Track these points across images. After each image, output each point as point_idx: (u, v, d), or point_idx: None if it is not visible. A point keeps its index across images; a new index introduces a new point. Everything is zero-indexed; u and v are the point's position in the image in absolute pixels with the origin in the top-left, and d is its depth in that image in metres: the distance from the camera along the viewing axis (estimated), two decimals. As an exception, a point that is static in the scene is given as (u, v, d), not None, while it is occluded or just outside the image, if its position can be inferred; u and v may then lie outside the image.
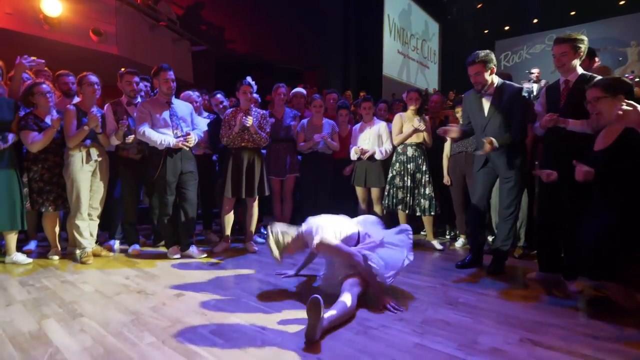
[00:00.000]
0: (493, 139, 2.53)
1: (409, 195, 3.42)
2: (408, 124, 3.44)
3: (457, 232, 3.71)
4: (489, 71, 2.62)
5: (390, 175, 3.52)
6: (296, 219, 4.23)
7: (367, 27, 10.35)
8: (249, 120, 3.09)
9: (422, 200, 3.41)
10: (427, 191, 3.40)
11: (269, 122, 3.35)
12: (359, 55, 10.45)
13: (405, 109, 3.70)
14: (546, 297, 2.23)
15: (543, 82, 6.23)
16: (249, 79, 3.22)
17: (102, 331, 1.75)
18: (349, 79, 10.15)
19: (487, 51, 2.66)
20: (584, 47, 2.34)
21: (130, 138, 3.04)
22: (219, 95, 3.78)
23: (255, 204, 3.34)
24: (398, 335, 1.72)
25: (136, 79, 3.17)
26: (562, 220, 2.37)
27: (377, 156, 3.56)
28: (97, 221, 3.10)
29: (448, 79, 12.71)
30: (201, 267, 2.83)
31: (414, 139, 3.45)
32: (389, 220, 3.96)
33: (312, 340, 1.63)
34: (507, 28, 11.90)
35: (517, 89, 2.61)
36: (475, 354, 1.57)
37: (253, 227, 3.40)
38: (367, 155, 3.54)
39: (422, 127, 3.38)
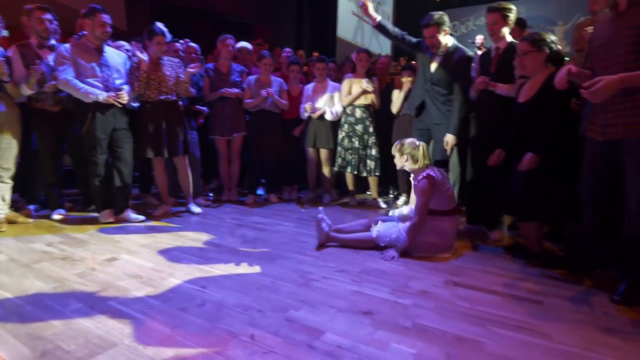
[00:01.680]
0: (453, 139, 2.69)
1: (357, 156, 3.47)
2: (357, 85, 3.43)
3: (399, 192, 3.89)
4: (443, 33, 2.66)
5: (339, 137, 3.53)
6: (244, 181, 4.16)
7: (321, -16, 9.84)
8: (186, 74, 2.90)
9: (368, 161, 3.49)
10: (374, 152, 3.48)
11: (186, 71, 3.02)
12: (313, 13, 9.98)
13: (354, 70, 3.66)
14: (470, 245, 2.46)
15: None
16: (159, 25, 2.90)
17: (18, 301, 1.59)
18: (302, 38, 9.73)
19: (441, 13, 2.68)
20: (512, 16, 2.51)
21: (51, 86, 2.65)
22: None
23: (186, 163, 3.14)
24: (337, 285, 1.80)
25: (48, 15, 2.72)
26: (490, 179, 2.57)
27: (328, 116, 3.53)
28: (10, 183, 2.73)
29: (400, 44, 12.70)
30: (138, 231, 2.66)
31: (362, 100, 3.45)
32: (337, 181, 4.05)
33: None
34: (456, -2, 12.03)
35: (466, 55, 2.70)
36: (405, 296, 1.69)
37: (191, 188, 3.23)
38: (317, 114, 3.51)
39: (370, 88, 3.39)
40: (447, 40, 2.70)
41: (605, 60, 1.64)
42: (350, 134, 3.48)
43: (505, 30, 2.50)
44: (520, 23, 3.14)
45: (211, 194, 3.90)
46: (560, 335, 1.40)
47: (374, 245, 2.30)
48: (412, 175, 2.38)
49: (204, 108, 3.56)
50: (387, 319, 1.49)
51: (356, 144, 3.46)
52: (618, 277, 1.77)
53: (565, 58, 2.32)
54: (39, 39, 2.73)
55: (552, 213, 2.08)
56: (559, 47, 2.12)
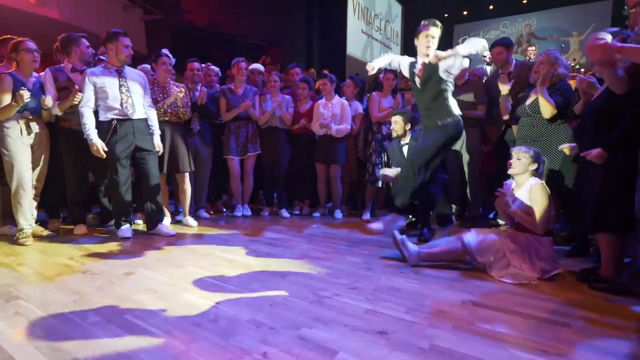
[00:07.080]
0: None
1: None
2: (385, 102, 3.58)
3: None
4: (409, 124, 3.03)
5: (368, 152, 3.69)
6: (257, 198, 4.22)
7: (331, 5, 10.14)
8: (180, 94, 3.10)
9: None
10: None
11: (189, 97, 3.36)
12: (323, 33, 10.25)
13: (376, 89, 3.82)
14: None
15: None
16: (165, 51, 3.20)
17: (41, 313, 1.64)
18: (313, 57, 9.98)
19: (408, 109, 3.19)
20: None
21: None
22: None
23: (187, 180, 3.28)
24: (350, 303, 1.78)
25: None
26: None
27: (333, 133, 3.59)
28: (37, 199, 2.86)
29: (410, 61, 12.86)
30: (153, 246, 2.72)
31: (388, 117, 3.58)
32: (348, 197, 4.08)
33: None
34: (465, 13, 12.16)
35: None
36: (421, 316, 1.66)
37: (187, 203, 3.36)
38: (323, 131, 3.62)
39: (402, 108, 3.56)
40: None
41: None
42: (379, 150, 3.60)
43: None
44: (505, 44, 3.27)
45: (225, 209, 3.96)
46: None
47: (463, 256, 2.24)
48: (514, 182, 2.29)
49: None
50: (403, 340, 1.46)
51: (384, 158, 3.55)
52: None
53: (581, 69, 2.34)
54: (82, 64, 2.95)
55: (627, 223, 1.89)
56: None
